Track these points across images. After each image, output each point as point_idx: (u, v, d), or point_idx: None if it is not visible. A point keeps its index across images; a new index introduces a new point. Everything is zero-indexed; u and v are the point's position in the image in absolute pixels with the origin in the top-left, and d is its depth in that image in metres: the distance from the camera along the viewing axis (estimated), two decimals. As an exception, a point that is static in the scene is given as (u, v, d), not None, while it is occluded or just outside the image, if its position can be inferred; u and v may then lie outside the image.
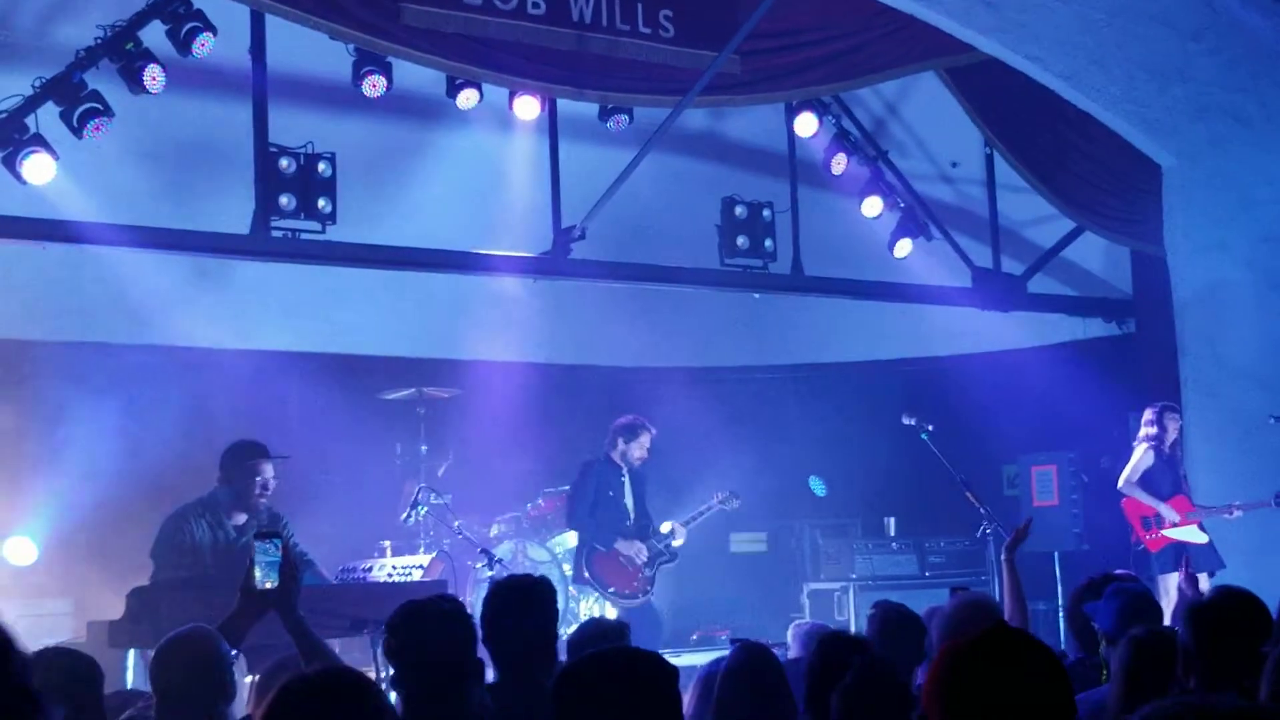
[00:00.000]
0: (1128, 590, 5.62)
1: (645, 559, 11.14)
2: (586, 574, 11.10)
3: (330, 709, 3.15)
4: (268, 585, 4.83)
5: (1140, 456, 11.20)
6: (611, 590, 11.00)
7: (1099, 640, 5.64)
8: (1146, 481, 11.15)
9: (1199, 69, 11.33)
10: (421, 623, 4.37)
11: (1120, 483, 11.26)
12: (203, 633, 4.81)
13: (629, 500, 11.30)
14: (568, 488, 11.61)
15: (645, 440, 11.20)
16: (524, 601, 5.00)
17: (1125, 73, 11.16)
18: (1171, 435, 11.19)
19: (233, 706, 4.79)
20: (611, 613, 10.71)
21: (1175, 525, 10.98)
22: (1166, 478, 11.15)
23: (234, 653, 4.85)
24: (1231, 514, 10.96)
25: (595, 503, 11.15)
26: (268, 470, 8.56)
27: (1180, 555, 10.79)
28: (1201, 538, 10.99)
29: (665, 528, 11.41)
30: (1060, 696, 2.63)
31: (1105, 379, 12.77)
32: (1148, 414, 11.27)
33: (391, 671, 4.41)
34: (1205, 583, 10.47)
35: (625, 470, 11.24)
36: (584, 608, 11.59)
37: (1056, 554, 12.38)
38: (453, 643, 4.34)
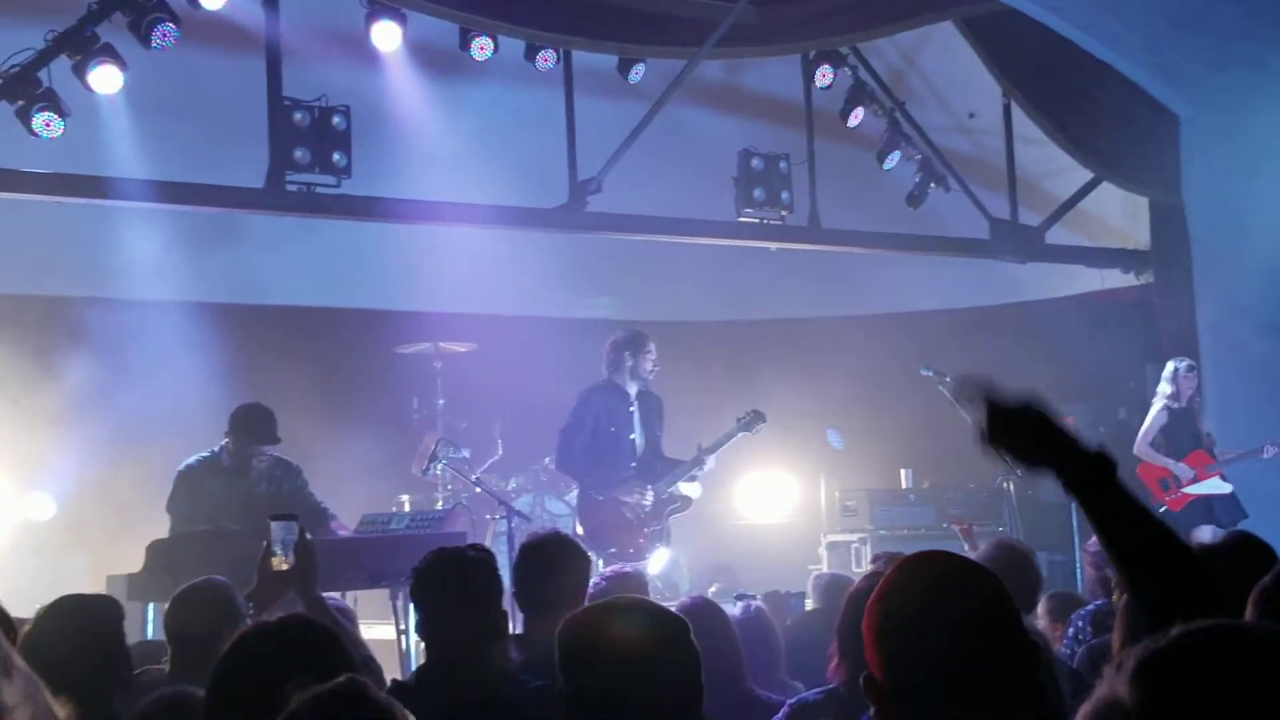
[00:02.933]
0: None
1: (649, 509, 9.67)
2: (580, 530, 9.60)
3: (285, 652, 3.15)
4: (285, 566, 4.87)
5: (1153, 417, 11.25)
6: (612, 550, 9.33)
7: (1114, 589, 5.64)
8: (1163, 441, 11.16)
9: (1219, 18, 11.20)
10: (448, 569, 4.38)
11: (1135, 447, 11.29)
12: (216, 583, 4.86)
13: (636, 434, 9.81)
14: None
15: (653, 350, 9.82)
16: (556, 557, 5.05)
17: (1144, 22, 11.05)
18: (1187, 391, 11.18)
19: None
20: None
21: (1194, 481, 10.96)
22: (1185, 434, 11.15)
23: (249, 607, 4.88)
24: (1266, 453, 10.91)
25: (593, 441, 9.69)
26: (268, 451, 8.64)
27: (1207, 509, 10.79)
28: (1225, 488, 10.97)
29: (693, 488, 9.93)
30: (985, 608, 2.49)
31: (1123, 330, 12.74)
32: (1166, 369, 11.27)
33: (415, 619, 4.44)
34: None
35: (634, 397, 9.82)
36: (602, 561, 11.59)
37: (1073, 505, 12.33)
38: (479, 590, 4.36)
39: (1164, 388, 11.24)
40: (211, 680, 3.18)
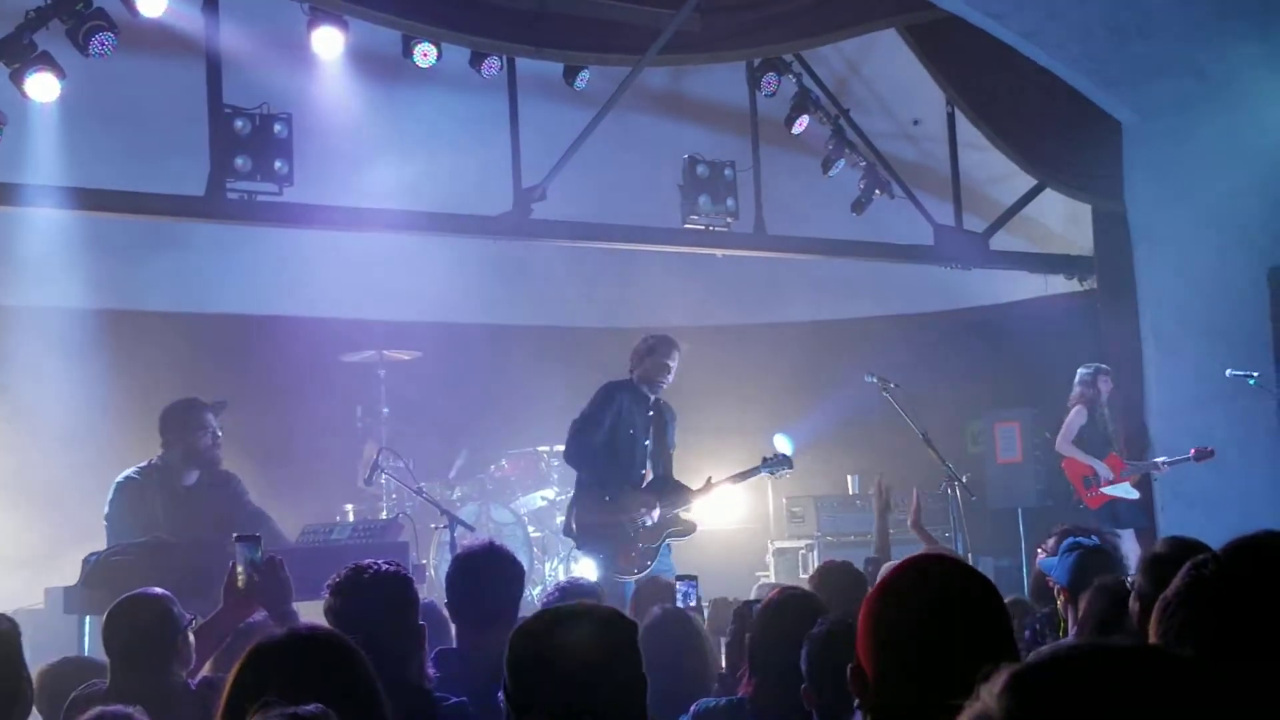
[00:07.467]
0: (1081, 544, 5.63)
1: (648, 527, 9.12)
2: (574, 527, 9.11)
3: (303, 667, 3.10)
4: (249, 586, 4.92)
5: (1073, 417, 11.57)
6: (601, 558, 8.98)
7: (1055, 595, 5.66)
8: (1081, 441, 11.39)
9: (1160, 25, 11.27)
10: (363, 584, 4.37)
11: (1058, 444, 11.64)
12: (152, 594, 4.82)
13: (649, 441, 9.33)
14: (578, 420, 9.25)
15: (674, 361, 9.29)
16: (489, 568, 5.04)
17: (1085, 29, 11.10)
18: (1104, 395, 11.46)
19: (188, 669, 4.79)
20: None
21: (1111, 483, 11.23)
22: (1098, 437, 11.41)
23: (189, 619, 4.85)
24: (1160, 469, 11.22)
25: (610, 439, 9.17)
26: (211, 420, 8.52)
27: (1115, 512, 11.07)
28: (1133, 494, 11.29)
29: (695, 492, 9.45)
30: (985, 618, 2.57)
31: (1067, 336, 12.82)
32: (1081, 374, 11.57)
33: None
34: (1133, 539, 10.74)
35: (652, 404, 9.36)
36: (548, 568, 11.55)
37: (1020, 510, 12.48)
38: (394, 604, 4.34)
39: (1084, 391, 11.54)
40: (226, 698, 3.08)
